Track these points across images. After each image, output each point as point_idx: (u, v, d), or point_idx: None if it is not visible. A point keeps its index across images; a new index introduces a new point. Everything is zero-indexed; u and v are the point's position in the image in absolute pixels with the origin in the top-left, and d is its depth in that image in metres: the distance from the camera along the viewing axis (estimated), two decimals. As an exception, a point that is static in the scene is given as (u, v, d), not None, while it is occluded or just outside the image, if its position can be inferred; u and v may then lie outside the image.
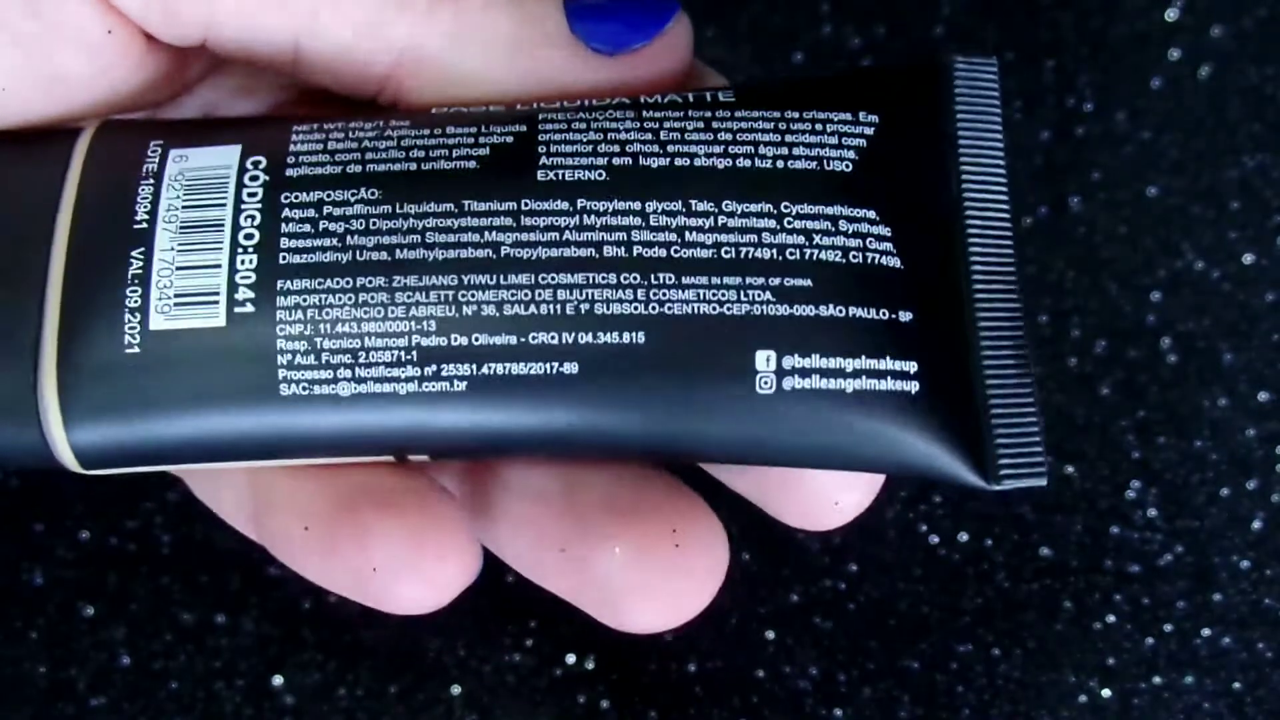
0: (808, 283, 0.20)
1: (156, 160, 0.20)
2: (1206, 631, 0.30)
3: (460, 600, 0.30)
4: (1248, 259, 0.32)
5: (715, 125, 0.20)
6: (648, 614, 0.21)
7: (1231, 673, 0.29)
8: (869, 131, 0.21)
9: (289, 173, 0.20)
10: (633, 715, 0.29)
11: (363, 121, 0.20)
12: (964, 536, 0.30)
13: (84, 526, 0.31)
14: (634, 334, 0.19)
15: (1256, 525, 0.30)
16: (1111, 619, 0.30)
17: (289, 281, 0.19)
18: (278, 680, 0.29)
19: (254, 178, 0.20)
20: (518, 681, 0.29)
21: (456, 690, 0.29)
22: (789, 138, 0.20)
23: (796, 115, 0.20)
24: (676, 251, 0.20)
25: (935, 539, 0.30)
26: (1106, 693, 0.29)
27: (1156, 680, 0.29)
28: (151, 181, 0.20)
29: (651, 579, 0.21)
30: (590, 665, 0.30)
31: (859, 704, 0.29)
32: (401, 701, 0.29)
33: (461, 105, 0.21)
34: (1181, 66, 0.33)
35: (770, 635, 0.30)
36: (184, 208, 0.20)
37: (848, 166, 0.20)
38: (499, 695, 0.29)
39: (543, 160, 0.20)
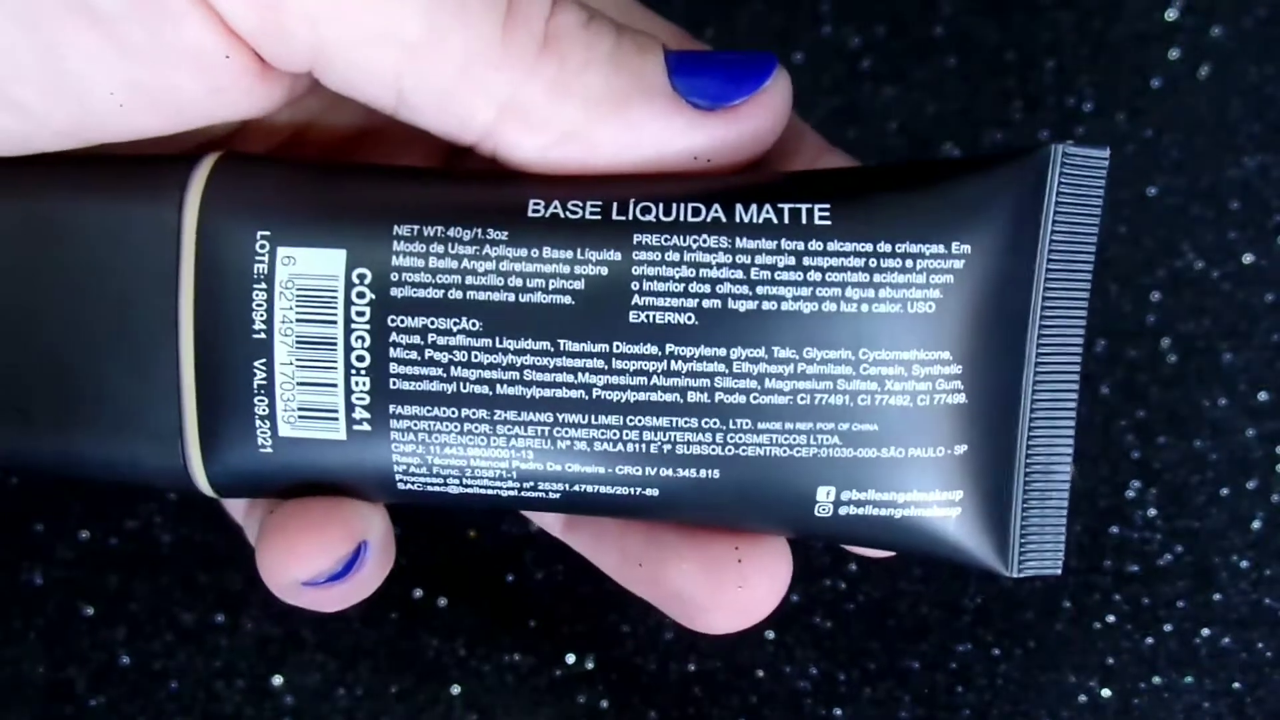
0: (874, 427, 0.21)
1: (266, 261, 0.21)
2: (1206, 631, 0.30)
3: (460, 600, 0.30)
4: (1248, 259, 0.32)
5: (806, 262, 0.21)
6: (717, 620, 0.22)
7: (1231, 673, 0.29)
8: (959, 265, 0.21)
9: (394, 293, 0.21)
10: (632, 715, 0.29)
11: (460, 229, 0.21)
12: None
13: (84, 526, 0.31)
14: (710, 471, 0.21)
15: (1256, 525, 0.30)
16: (1111, 619, 0.30)
17: (400, 407, 0.21)
18: (278, 680, 0.29)
19: (360, 294, 0.21)
20: (517, 681, 0.29)
21: (456, 690, 0.29)
22: (877, 277, 0.21)
23: (889, 249, 0.21)
24: (755, 398, 0.21)
25: (935, 539, 0.31)
26: (1106, 692, 0.29)
27: (1156, 680, 0.29)
28: (264, 287, 0.21)
29: (717, 592, 0.22)
30: (590, 665, 0.30)
31: (859, 704, 0.29)
32: (401, 701, 0.29)
33: (559, 166, 0.21)
34: (1181, 66, 0.33)
35: (770, 635, 0.30)
36: (298, 320, 0.21)
37: (930, 307, 0.21)
38: (499, 695, 0.29)
39: (635, 300, 0.21)
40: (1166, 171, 0.32)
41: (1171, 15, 0.34)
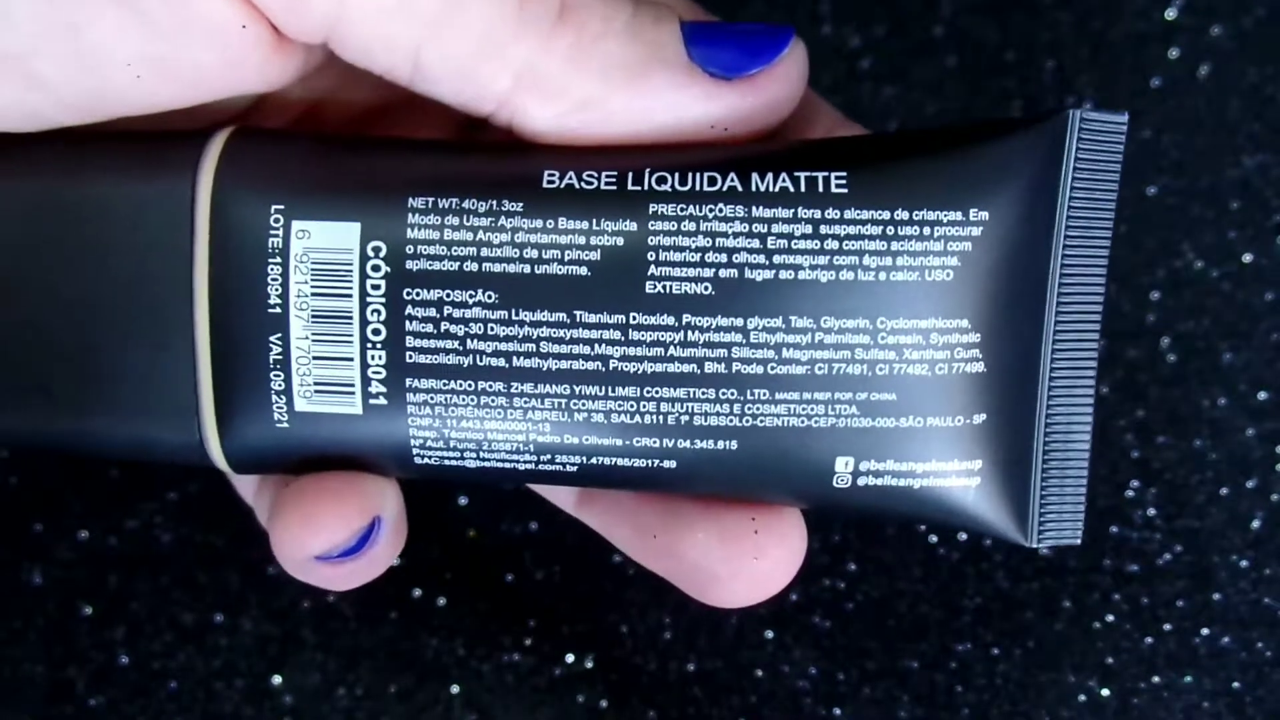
0: (892, 397, 0.21)
1: (280, 235, 0.21)
2: (1206, 631, 0.30)
3: (460, 600, 0.30)
4: (1247, 259, 0.32)
5: (823, 230, 0.20)
6: (733, 592, 0.22)
7: (1231, 672, 0.29)
8: (976, 232, 0.21)
9: (409, 265, 0.21)
10: (632, 715, 0.29)
11: (475, 201, 0.21)
12: (963, 536, 0.30)
13: (84, 526, 0.31)
14: (728, 442, 0.21)
15: (1256, 525, 0.30)
16: (1111, 618, 0.30)
17: (417, 380, 0.21)
18: (277, 680, 0.29)
19: (375, 267, 0.21)
20: (517, 681, 0.29)
21: (456, 690, 0.29)
22: (895, 245, 0.20)
23: (906, 216, 0.20)
24: (773, 368, 0.21)
25: (935, 538, 0.31)
26: (1106, 692, 0.29)
27: (1156, 680, 0.29)
28: (279, 261, 0.21)
29: (733, 563, 0.22)
30: (589, 665, 0.30)
31: (858, 704, 0.29)
32: (401, 701, 0.29)
33: (575, 135, 0.21)
34: (1181, 66, 0.33)
35: (769, 635, 0.30)
36: (313, 294, 0.21)
37: (949, 275, 0.21)
38: (498, 695, 0.29)
39: (651, 270, 0.21)
40: (1166, 171, 0.32)
41: (1171, 15, 0.34)
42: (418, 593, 0.30)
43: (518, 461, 0.22)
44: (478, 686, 0.29)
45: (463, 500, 0.31)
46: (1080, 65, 0.33)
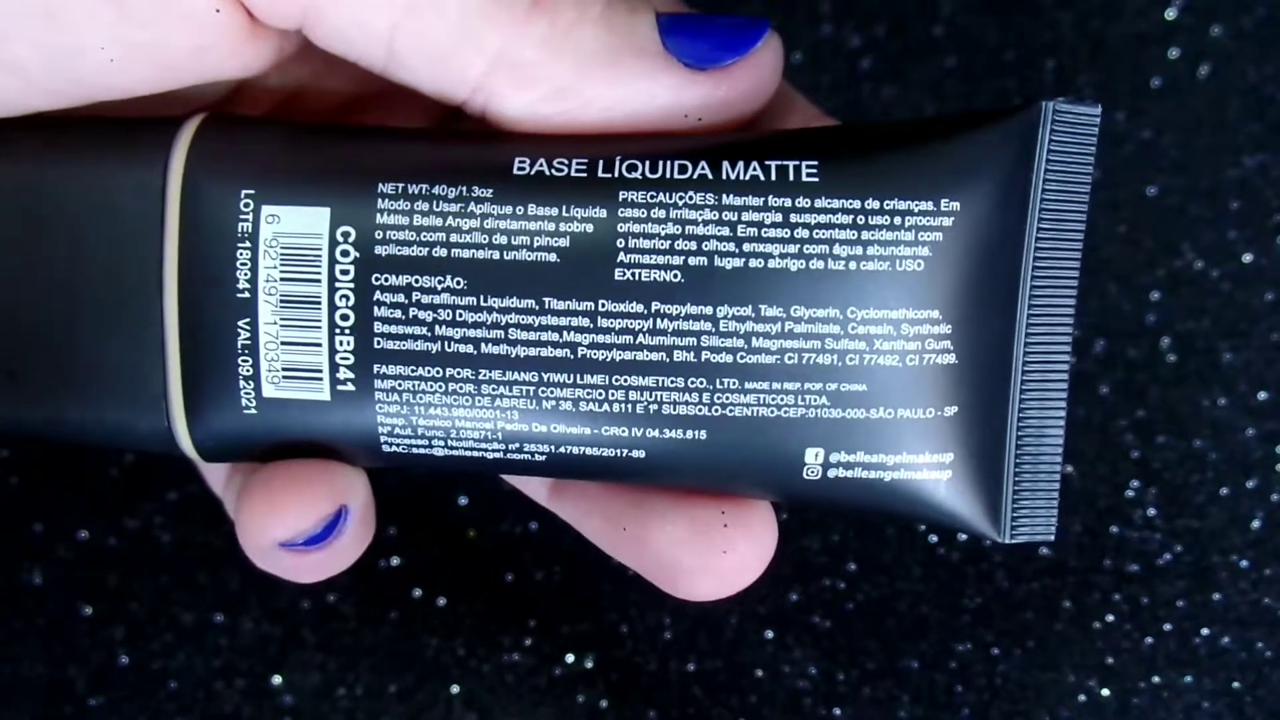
0: (863, 387, 0.21)
1: (250, 220, 0.21)
2: (1206, 631, 0.30)
3: (460, 600, 0.30)
4: (1247, 259, 0.32)
5: (793, 219, 0.20)
6: (701, 586, 0.22)
7: (1231, 672, 0.29)
8: (948, 223, 0.21)
9: (378, 250, 0.21)
10: (632, 715, 0.29)
11: (445, 187, 0.21)
12: (963, 536, 0.30)
13: (84, 526, 0.31)
14: (697, 431, 0.21)
15: (1256, 525, 0.30)
16: (1111, 618, 0.30)
17: (385, 366, 0.21)
18: (277, 680, 0.30)
19: (344, 252, 0.21)
20: (517, 681, 0.29)
21: (456, 690, 0.29)
22: (865, 234, 0.20)
23: (877, 206, 0.20)
24: (742, 357, 0.21)
25: (935, 539, 0.31)
26: (1106, 692, 0.29)
27: (1156, 679, 0.29)
28: (248, 246, 0.21)
29: (701, 555, 0.22)
30: (589, 665, 0.30)
31: (858, 704, 0.29)
32: (401, 701, 0.29)
33: (549, 123, 0.22)
34: (1181, 66, 0.33)
35: (769, 635, 0.30)
36: (281, 279, 0.21)
37: (919, 265, 0.21)
38: (498, 695, 0.29)
39: (621, 258, 0.20)
40: (1166, 171, 0.32)
41: (1171, 15, 0.34)
42: (418, 593, 0.30)
43: (486, 450, 0.21)
44: (478, 686, 0.29)
45: (463, 500, 0.31)
46: (1080, 65, 0.33)
